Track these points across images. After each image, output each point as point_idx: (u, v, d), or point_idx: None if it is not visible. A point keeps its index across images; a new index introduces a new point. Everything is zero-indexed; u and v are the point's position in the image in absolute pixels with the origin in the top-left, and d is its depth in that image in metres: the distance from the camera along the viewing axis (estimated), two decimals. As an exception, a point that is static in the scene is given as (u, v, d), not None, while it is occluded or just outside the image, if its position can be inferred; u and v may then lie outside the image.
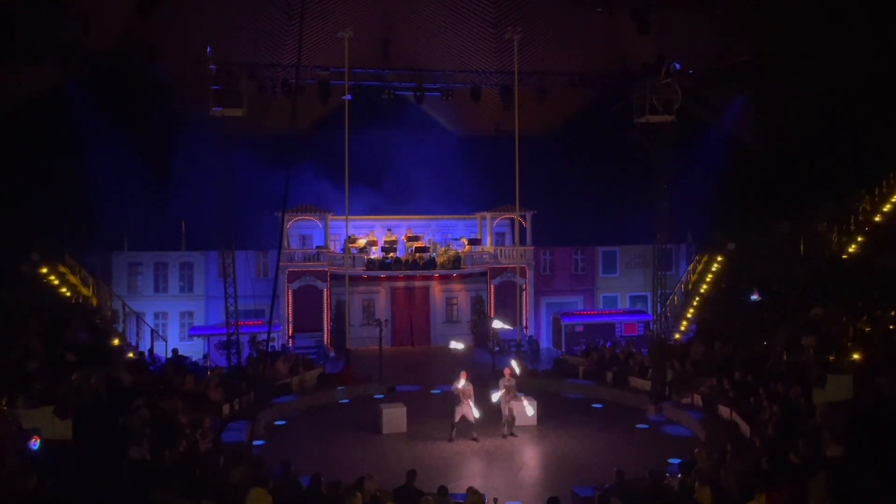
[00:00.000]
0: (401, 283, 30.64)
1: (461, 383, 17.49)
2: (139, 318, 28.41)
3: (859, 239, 25.11)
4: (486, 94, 27.87)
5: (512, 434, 17.87)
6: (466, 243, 30.78)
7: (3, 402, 14.54)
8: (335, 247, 30.21)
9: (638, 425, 18.96)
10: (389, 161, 31.91)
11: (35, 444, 12.32)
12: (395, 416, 18.49)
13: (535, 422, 18.81)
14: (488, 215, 31.47)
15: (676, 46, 25.53)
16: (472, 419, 17.45)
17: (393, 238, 30.44)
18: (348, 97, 24.13)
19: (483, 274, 30.62)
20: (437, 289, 31.00)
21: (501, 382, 17.96)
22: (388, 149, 32.09)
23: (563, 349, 28.38)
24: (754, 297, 25.32)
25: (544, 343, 30.94)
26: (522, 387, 21.61)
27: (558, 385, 23.00)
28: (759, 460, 12.67)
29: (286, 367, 22.61)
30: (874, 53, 24.81)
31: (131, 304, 28.16)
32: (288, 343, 28.26)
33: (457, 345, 22.92)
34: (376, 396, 21.69)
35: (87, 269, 26.89)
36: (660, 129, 23.74)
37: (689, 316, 28.85)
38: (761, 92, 27.79)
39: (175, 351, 23.66)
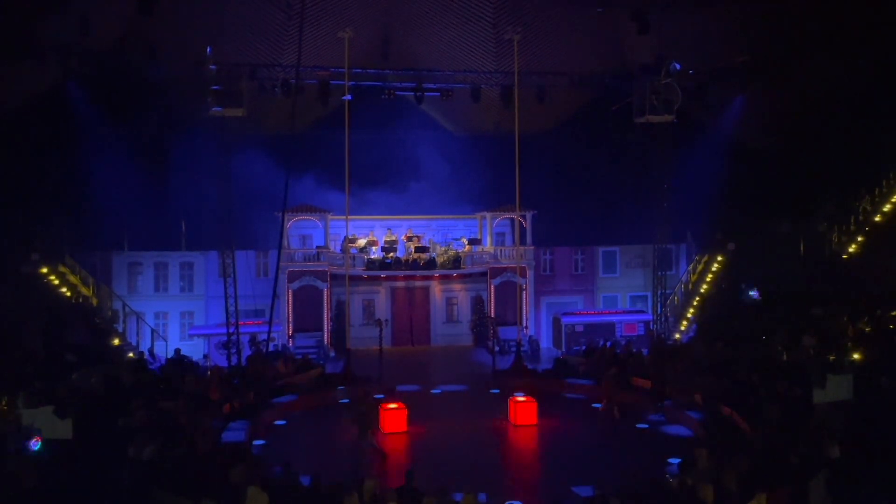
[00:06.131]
0: (401, 283, 30.65)
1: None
2: (139, 318, 28.41)
3: (859, 239, 25.12)
4: (486, 94, 27.89)
5: None
6: (466, 243, 30.78)
7: (3, 402, 14.56)
8: (335, 247, 30.21)
9: (638, 425, 18.95)
10: (389, 161, 31.89)
11: (35, 444, 12.33)
12: (395, 416, 18.48)
13: (535, 420, 18.82)
14: (488, 215, 31.46)
15: (676, 46, 25.52)
16: None
17: (393, 238, 30.44)
18: (348, 97, 24.12)
19: (483, 274, 30.63)
20: (437, 289, 31.01)
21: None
22: (388, 149, 32.08)
23: (563, 349, 28.38)
24: (753, 294, 25.33)
25: (544, 343, 30.92)
26: (521, 387, 21.63)
27: (558, 385, 22.98)
28: (759, 460, 12.67)
29: (286, 367, 22.59)
30: (874, 53, 24.81)
31: (131, 304, 28.16)
32: (288, 343, 28.26)
33: None
34: (376, 396, 21.67)
35: (87, 269, 26.89)
36: (660, 129, 23.74)
37: (689, 316, 28.85)
38: (761, 92, 27.79)
39: (178, 351, 23.63)
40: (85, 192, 26.67)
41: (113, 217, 27.74)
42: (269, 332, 23.89)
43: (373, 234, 30.78)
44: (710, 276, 29.33)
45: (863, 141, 25.93)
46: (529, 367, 24.56)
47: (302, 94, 25.19)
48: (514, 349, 25.60)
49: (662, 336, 26.90)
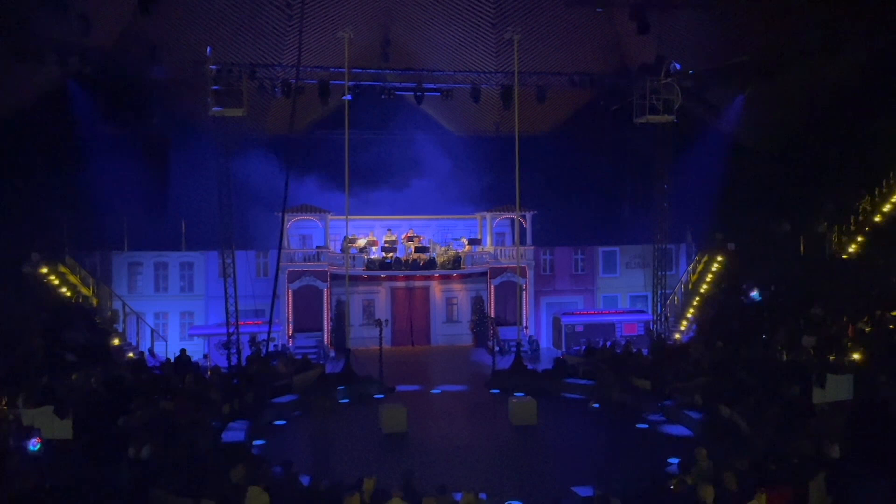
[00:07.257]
0: (401, 283, 30.66)
1: None
2: (139, 318, 28.41)
3: (859, 239, 25.08)
4: (486, 94, 27.90)
5: None
6: (466, 243, 30.79)
7: (3, 402, 14.57)
8: (335, 247, 30.22)
9: (638, 425, 18.95)
10: (389, 161, 31.91)
11: (35, 444, 12.34)
12: (395, 416, 18.47)
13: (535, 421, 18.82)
14: (488, 215, 31.47)
15: (676, 46, 25.53)
16: None
17: (393, 238, 30.45)
18: (348, 97, 24.14)
19: (483, 274, 30.63)
20: (437, 289, 31.01)
21: None
22: (388, 149, 32.10)
23: (563, 349, 28.39)
24: (753, 294, 25.33)
25: (544, 343, 30.93)
26: (521, 387, 21.64)
27: (558, 385, 22.97)
28: (759, 460, 12.67)
29: (286, 367, 22.59)
30: (873, 53, 24.79)
31: (131, 304, 28.16)
32: (288, 343, 28.26)
33: None
34: (376, 396, 21.70)
35: (87, 269, 26.90)
36: (660, 129, 23.73)
37: (689, 316, 28.84)
38: (761, 92, 27.78)
39: (183, 351, 23.51)
40: (85, 192, 26.65)
41: (113, 217, 27.76)
42: (269, 332, 23.91)
43: (373, 234, 30.78)
44: (710, 276, 29.33)
45: (863, 141, 25.92)
46: (529, 367, 24.56)
47: (302, 94, 25.20)
48: (514, 349, 25.60)
49: (662, 336, 26.95)
